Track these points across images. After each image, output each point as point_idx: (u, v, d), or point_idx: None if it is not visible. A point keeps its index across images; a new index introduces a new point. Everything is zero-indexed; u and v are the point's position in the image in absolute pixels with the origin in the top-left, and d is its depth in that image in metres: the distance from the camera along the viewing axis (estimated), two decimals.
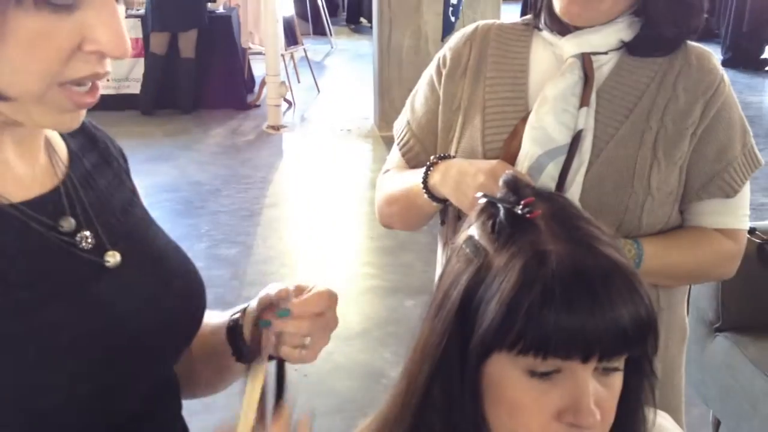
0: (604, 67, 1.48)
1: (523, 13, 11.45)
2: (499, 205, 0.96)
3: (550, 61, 1.51)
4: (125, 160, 1.07)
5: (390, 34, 6.86)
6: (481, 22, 1.64)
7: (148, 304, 0.93)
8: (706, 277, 1.74)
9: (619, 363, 0.94)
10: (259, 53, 8.21)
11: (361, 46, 11.40)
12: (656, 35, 1.46)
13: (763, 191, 5.51)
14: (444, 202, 1.46)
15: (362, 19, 13.19)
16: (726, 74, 1.52)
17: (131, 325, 0.90)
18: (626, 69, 1.48)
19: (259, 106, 8.20)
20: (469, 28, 1.63)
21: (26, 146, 0.89)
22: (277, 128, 7.41)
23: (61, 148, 0.96)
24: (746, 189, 1.51)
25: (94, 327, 0.86)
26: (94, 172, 0.98)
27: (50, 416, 0.82)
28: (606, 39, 1.46)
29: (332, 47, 11.36)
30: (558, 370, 0.91)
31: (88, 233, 0.90)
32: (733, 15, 9.67)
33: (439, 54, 1.64)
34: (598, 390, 0.92)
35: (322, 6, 10.96)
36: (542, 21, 1.53)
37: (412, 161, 1.64)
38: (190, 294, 1.02)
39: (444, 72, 1.59)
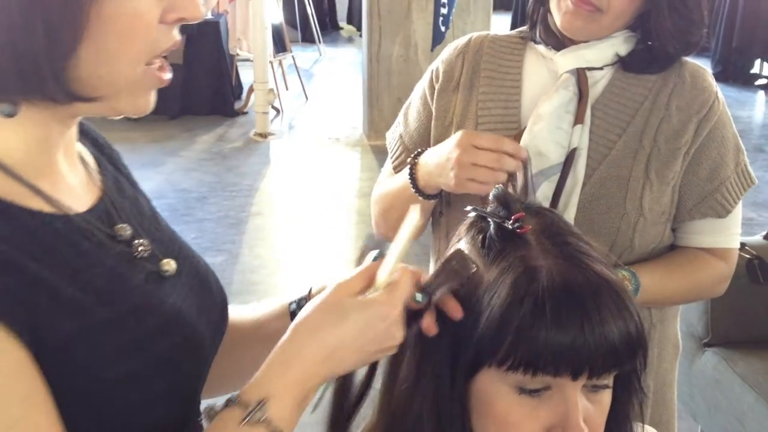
0: (598, 83, 1.46)
1: (514, 23, 11.57)
2: (489, 220, 0.95)
3: (544, 76, 1.49)
4: (120, 159, 1.07)
5: (380, 42, 6.86)
6: (474, 34, 1.62)
7: (201, 312, 0.94)
8: (698, 298, 1.74)
9: (608, 380, 0.93)
10: (247, 60, 8.20)
11: (350, 54, 11.41)
12: (653, 51, 1.44)
13: (751, 206, 5.53)
14: (438, 195, 1.44)
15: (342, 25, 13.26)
16: (720, 92, 1.50)
17: (195, 331, 0.91)
18: (620, 86, 1.46)
19: (246, 113, 8.19)
20: (462, 40, 1.61)
21: (70, 157, 0.89)
22: (264, 136, 7.39)
23: (90, 157, 0.97)
24: (738, 207, 1.50)
25: (180, 339, 0.88)
26: (118, 178, 1.00)
27: (133, 411, 0.83)
28: (601, 54, 1.45)
29: (321, 55, 11.37)
30: (547, 387, 0.90)
31: (144, 241, 0.91)
32: (724, 29, 9.73)
33: (432, 66, 1.63)
34: (587, 407, 0.91)
35: (311, 14, 10.97)
36: (537, 34, 1.51)
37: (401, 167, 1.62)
38: (224, 301, 1.03)
39: (437, 87, 1.58)
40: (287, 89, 9.02)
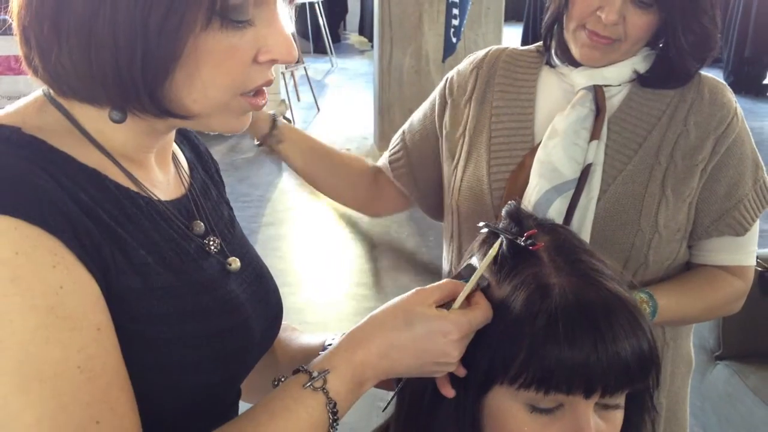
0: (614, 98, 1.45)
1: (525, 34, 11.54)
2: (502, 236, 0.95)
3: (559, 92, 1.49)
4: (218, 170, 1.16)
5: (391, 53, 6.87)
6: (493, 48, 1.63)
7: (255, 310, 1.00)
8: (715, 316, 1.73)
9: (621, 399, 0.93)
10: None
11: (362, 65, 11.42)
12: (672, 66, 1.43)
13: (764, 218, 5.48)
14: None
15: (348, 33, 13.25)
16: (740, 108, 1.48)
17: (254, 324, 0.98)
18: (637, 101, 1.45)
19: None
20: (480, 52, 1.62)
21: (162, 156, 0.98)
22: None
23: (183, 159, 1.06)
24: (756, 225, 1.49)
25: (233, 322, 0.94)
26: (207, 184, 1.09)
27: (194, 392, 0.90)
28: (620, 72, 1.44)
29: (333, 66, 11.38)
30: (560, 405, 0.90)
31: (215, 239, 0.99)
32: (736, 40, 9.69)
33: (449, 75, 1.64)
34: (599, 425, 0.91)
35: (323, 25, 10.99)
36: (552, 55, 1.51)
37: (396, 171, 1.67)
38: (280, 308, 1.09)
39: (449, 100, 1.59)
40: (299, 100, 9.03)
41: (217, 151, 7.29)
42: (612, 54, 1.41)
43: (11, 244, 0.74)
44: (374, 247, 5.17)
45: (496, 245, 0.93)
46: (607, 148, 1.41)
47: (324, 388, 0.87)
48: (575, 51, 1.44)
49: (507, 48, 1.61)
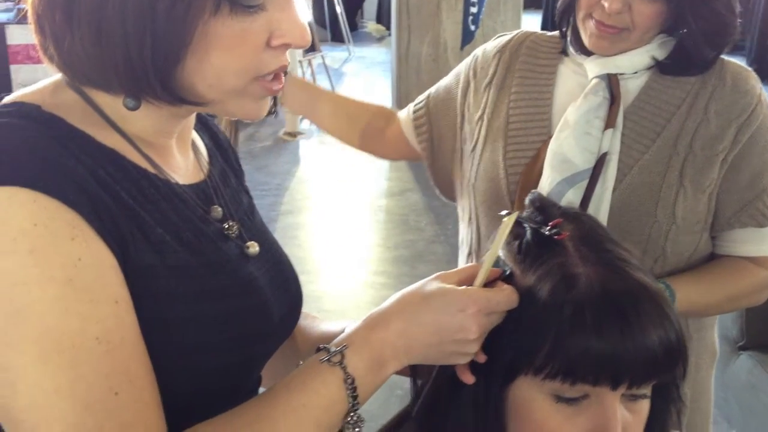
0: (632, 85, 1.43)
1: (545, 21, 11.48)
2: (526, 225, 0.94)
3: (575, 81, 1.47)
4: (237, 159, 1.16)
5: (409, 41, 6.85)
6: (521, 32, 1.61)
7: (274, 294, 1.00)
8: (740, 307, 1.70)
9: (647, 390, 0.92)
10: None
11: (380, 53, 11.40)
12: (690, 54, 1.40)
13: None
14: None
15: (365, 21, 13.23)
16: (765, 95, 1.43)
17: (273, 308, 0.98)
18: (656, 88, 1.42)
19: (276, 112, 8.18)
20: (507, 36, 1.61)
21: (182, 141, 0.98)
22: (293, 135, 7.41)
23: (202, 146, 1.06)
24: None
25: (251, 303, 0.94)
26: (227, 171, 1.09)
27: (213, 373, 0.90)
28: (634, 60, 1.41)
29: (350, 54, 11.37)
30: (585, 396, 0.89)
31: (233, 223, 0.98)
32: (759, 27, 9.59)
33: (477, 52, 1.64)
34: (625, 416, 0.90)
35: (341, 13, 10.97)
36: (568, 44, 1.50)
37: (419, 129, 1.67)
38: (299, 295, 1.09)
39: (472, 82, 1.59)
40: None
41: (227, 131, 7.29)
42: (621, 43, 1.39)
43: (30, 216, 0.75)
44: (392, 235, 5.17)
45: (510, 219, 0.91)
46: (624, 137, 1.39)
47: (342, 363, 0.86)
48: (585, 40, 1.42)
49: (533, 33, 1.59)
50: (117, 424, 0.76)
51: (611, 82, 1.40)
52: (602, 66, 1.42)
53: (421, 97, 1.72)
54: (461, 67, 1.65)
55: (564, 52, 1.52)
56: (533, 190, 1.02)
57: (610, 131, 1.37)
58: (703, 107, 1.39)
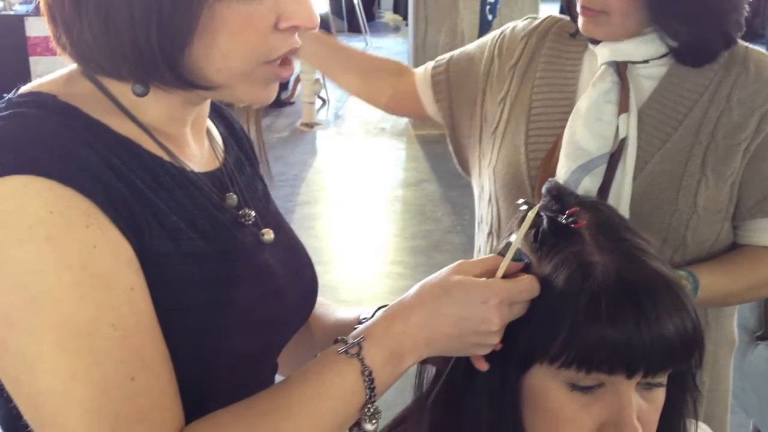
0: (652, 73, 1.42)
1: (561, 11, 11.42)
2: (543, 214, 0.94)
3: (592, 68, 1.46)
4: (252, 148, 1.16)
5: (425, 32, 6.83)
6: (549, 17, 1.60)
7: (289, 281, 1.00)
8: (759, 296, 1.67)
9: (663, 379, 0.92)
10: None
11: (397, 43, 11.38)
12: (695, 44, 1.37)
13: None
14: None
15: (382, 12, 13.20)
16: None
17: (288, 294, 0.99)
18: (678, 75, 1.40)
19: (293, 103, 8.21)
20: (535, 20, 1.60)
21: (197, 129, 0.99)
22: (310, 126, 7.42)
23: (217, 135, 1.07)
24: None
25: (266, 290, 0.95)
26: (242, 160, 1.09)
27: (228, 360, 0.90)
28: (637, 48, 1.39)
29: (367, 44, 11.36)
30: (601, 384, 0.89)
31: (249, 211, 0.98)
32: None
33: (505, 28, 1.63)
34: (641, 404, 0.90)
35: (357, 3, 10.96)
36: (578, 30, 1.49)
37: (436, 87, 1.67)
38: (315, 282, 1.09)
39: (497, 61, 1.58)
40: None
41: (252, 131, 7.31)
42: (605, 26, 1.38)
43: (46, 204, 0.75)
44: (409, 226, 5.17)
45: (532, 213, 0.91)
46: (645, 125, 1.38)
47: (359, 355, 0.85)
48: (579, 23, 1.43)
49: (561, 19, 1.57)
50: (134, 409, 0.77)
51: (619, 68, 1.39)
52: (609, 53, 1.41)
53: (442, 58, 1.71)
54: (487, 40, 1.64)
55: (571, 35, 1.52)
56: (550, 179, 1.02)
57: (625, 116, 1.37)
58: (726, 95, 1.38)
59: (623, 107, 1.37)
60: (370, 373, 0.85)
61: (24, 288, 0.74)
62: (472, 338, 0.89)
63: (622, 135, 1.36)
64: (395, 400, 1.06)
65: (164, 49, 0.81)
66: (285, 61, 0.88)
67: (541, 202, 0.98)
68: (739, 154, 1.38)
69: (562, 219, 0.92)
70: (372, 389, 0.85)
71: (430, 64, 1.72)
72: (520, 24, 1.61)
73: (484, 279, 0.90)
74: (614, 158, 1.36)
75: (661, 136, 1.38)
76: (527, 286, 0.90)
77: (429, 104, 1.69)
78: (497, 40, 1.61)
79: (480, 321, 0.87)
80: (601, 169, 1.36)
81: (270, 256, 0.98)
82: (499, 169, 1.51)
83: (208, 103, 1.00)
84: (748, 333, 2.63)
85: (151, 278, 0.82)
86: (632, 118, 1.37)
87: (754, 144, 1.38)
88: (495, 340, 0.90)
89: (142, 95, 0.86)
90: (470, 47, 1.68)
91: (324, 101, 8.20)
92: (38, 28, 5.75)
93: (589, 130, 1.37)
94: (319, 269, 1.09)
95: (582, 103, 1.40)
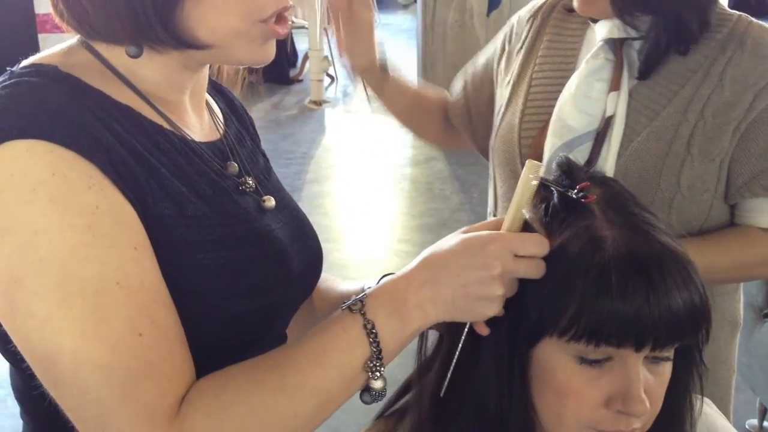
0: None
1: None
2: (553, 189, 0.94)
3: (589, 47, 1.45)
4: (252, 124, 1.18)
5: (434, 8, 6.80)
6: None
7: (297, 249, 1.02)
8: (750, 276, 1.63)
9: (670, 353, 0.92)
10: (302, 27, 8.20)
11: (405, 20, 11.33)
12: (671, 26, 1.34)
13: None
14: None
15: None
16: None
17: (291, 260, 1.00)
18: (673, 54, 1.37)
19: (301, 80, 8.20)
20: (540, 0, 1.60)
21: (196, 100, 1.00)
22: (319, 103, 7.41)
23: (218, 109, 1.09)
24: None
25: (269, 252, 0.96)
26: (243, 134, 1.11)
27: (234, 321, 0.92)
28: (633, 23, 1.36)
29: (375, 21, 11.28)
30: (609, 358, 0.89)
31: (249, 179, 1.01)
32: None
33: (513, 19, 1.64)
34: (648, 378, 0.91)
35: None
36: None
37: (453, 111, 1.72)
38: (319, 253, 1.10)
39: (507, 48, 1.60)
40: (341, 56, 9.00)
41: (261, 109, 7.33)
42: (596, 3, 1.36)
43: (48, 166, 0.77)
44: (417, 204, 5.18)
45: (526, 170, 0.90)
46: (634, 102, 1.36)
47: (361, 310, 0.87)
48: (574, 3, 1.43)
49: None
50: (143, 363, 0.79)
51: (615, 45, 1.38)
52: (606, 30, 1.39)
53: (458, 87, 1.73)
54: (499, 37, 1.65)
55: (567, 9, 1.52)
56: (561, 154, 1.02)
57: (615, 94, 1.35)
58: (719, 73, 1.35)
59: (614, 85, 1.36)
60: (373, 326, 0.86)
61: (30, 249, 0.76)
62: (476, 288, 0.87)
63: (609, 113, 1.35)
64: (402, 375, 1.07)
65: (157, 7, 0.83)
66: (280, 18, 0.89)
67: (553, 177, 0.98)
68: (729, 134, 1.34)
69: (573, 193, 0.92)
70: (377, 344, 0.86)
71: (450, 99, 1.75)
72: (525, 9, 1.61)
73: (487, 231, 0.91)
74: (600, 136, 1.35)
75: (649, 114, 1.36)
76: (533, 240, 0.89)
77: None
78: (507, 32, 1.63)
79: (481, 266, 0.87)
80: (586, 147, 1.36)
81: (272, 221, 1.00)
82: (496, 148, 1.52)
83: (206, 74, 1.01)
84: (755, 310, 2.63)
85: (156, 240, 0.84)
86: (622, 96, 1.36)
87: (745, 123, 1.34)
88: (498, 291, 0.87)
89: (135, 56, 0.88)
90: (485, 51, 1.70)
91: (333, 79, 8.18)
92: (47, 5, 5.72)
93: (576, 108, 1.36)
94: (327, 247, 1.10)
95: (572, 81, 1.39)
